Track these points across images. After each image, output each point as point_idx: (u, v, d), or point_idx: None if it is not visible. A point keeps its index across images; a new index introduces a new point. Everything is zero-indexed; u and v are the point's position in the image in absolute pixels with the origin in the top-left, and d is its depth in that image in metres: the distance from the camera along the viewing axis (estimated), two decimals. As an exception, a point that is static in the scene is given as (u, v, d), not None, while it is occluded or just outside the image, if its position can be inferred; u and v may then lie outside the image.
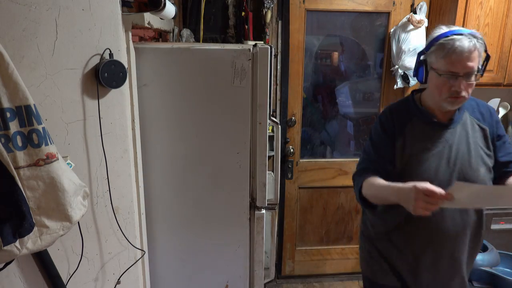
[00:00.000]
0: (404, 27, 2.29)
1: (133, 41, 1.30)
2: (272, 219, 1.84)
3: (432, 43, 1.26)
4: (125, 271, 1.37)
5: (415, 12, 2.30)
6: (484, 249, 1.74)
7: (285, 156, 2.57)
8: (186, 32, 2.20)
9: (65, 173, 1.03)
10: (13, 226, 0.93)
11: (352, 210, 2.76)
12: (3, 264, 1.08)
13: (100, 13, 1.14)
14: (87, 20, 1.13)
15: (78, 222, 1.20)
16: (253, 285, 1.64)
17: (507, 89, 2.46)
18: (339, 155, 2.75)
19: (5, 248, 0.92)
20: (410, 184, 1.15)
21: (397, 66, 2.33)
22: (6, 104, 0.92)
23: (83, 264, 1.29)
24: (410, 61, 2.28)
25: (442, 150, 1.30)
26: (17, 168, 0.94)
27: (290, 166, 2.59)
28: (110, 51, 1.17)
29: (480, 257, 1.67)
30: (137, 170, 1.37)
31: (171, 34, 2.08)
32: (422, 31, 2.28)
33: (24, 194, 0.95)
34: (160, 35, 1.97)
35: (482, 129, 1.35)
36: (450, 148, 1.30)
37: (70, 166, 1.17)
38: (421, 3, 2.29)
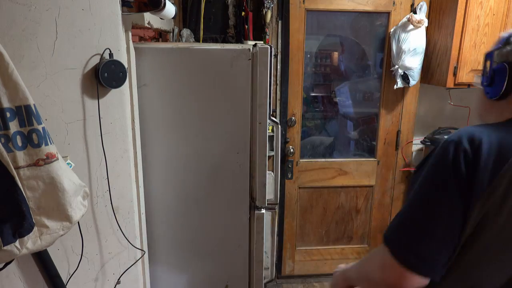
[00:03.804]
0: (404, 27, 2.29)
1: (133, 41, 1.30)
2: (272, 219, 1.84)
3: None
4: (125, 271, 1.37)
5: (415, 12, 2.30)
6: (484, 249, 1.74)
7: (285, 156, 2.57)
8: (186, 32, 2.20)
9: (65, 173, 1.03)
10: (13, 226, 0.93)
11: (352, 210, 2.76)
12: (3, 264, 1.08)
13: (100, 13, 1.14)
14: (87, 20, 1.13)
15: (78, 222, 1.20)
16: (253, 285, 1.64)
17: (507, 89, 2.46)
18: (339, 155, 2.75)
19: (5, 248, 0.92)
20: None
21: (397, 66, 2.33)
22: (6, 104, 0.92)
23: (83, 264, 1.29)
24: (410, 61, 2.28)
25: None
26: (17, 168, 0.94)
27: (290, 166, 2.59)
28: (110, 51, 1.17)
29: (480, 257, 1.67)
30: (137, 170, 1.37)
31: (171, 34, 2.08)
32: (422, 31, 2.28)
33: (24, 194, 0.95)
34: (160, 35, 1.97)
35: None
36: None
37: (70, 166, 1.17)
38: (421, 3, 2.29)
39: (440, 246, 0.78)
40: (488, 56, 0.94)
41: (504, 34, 0.94)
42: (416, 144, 2.67)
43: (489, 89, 0.91)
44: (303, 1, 2.35)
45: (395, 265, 0.79)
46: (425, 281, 0.79)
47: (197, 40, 2.27)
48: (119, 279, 1.37)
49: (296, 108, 2.53)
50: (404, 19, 2.31)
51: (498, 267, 0.81)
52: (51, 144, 0.99)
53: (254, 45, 1.40)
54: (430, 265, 0.78)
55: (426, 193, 0.81)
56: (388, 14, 2.43)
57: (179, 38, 2.19)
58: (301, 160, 2.62)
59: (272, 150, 1.85)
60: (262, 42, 2.29)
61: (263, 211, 1.57)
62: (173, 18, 1.49)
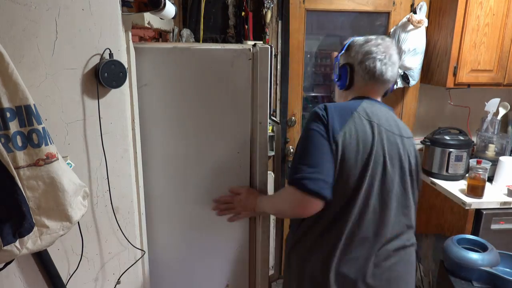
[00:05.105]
0: (404, 27, 2.29)
1: (133, 41, 1.30)
2: (273, 218, 1.84)
3: None
4: (125, 271, 1.37)
5: (415, 12, 2.30)
6: (484, 249, 1.74)
7: (285, 156, 2.57)
8: (186, 32, 2.20)
9: (65, 173, 1.03)
10: (13, 226, 0.93)
11: (352, 210, 2.75)
12: (3, 264, 1.08)
13: (100, 13, 1.14)
14: (87, 20, 1.13)
15: (78, 222, 1.20)
16: (255, 284, 1.64)
17: (507, 89, 2.46)
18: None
19: (5, 248, 0.92)
20: None
21: (397, 66, 2.33)
22: (6, 104, 0.92)
23: (83, 264, 1.29)
24: (410, 61, 2.28)
25: None
26: (17, 168, 0.94)
27: (290, 166, 2.59)
28: (110, 51, 1.17)
29: (480, 257, 1.67)
30: (137, 170, 1.36)
31: (171, 34, 2.08)
32: (422, 31, 2.28)
33: (24, 194, 0.95)
34: (160, 35, 1.97)
35: None
36: None
37: (70, 166, 1.17)
38: (421, 3, 2.29)
39: (327, 173, 1.15)
40: (336, 59, 1.50)
41: (346, 41, 1.50)
42: (416, 144, 2.66)
43: (338, 82, 1.42)
44: (303, 1, 2.35)
45: (299, 196, 1.14)
46: (322, 203, 1.15)
47: (197, 40, 2.27)
48: (119, 279, 1.37)
49: (296, 108, 2.53)
50: (404, 19, 2.31)
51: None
52: (51, 144, 0.99)
53: (254, 45, 1.40)
54: (323, 187, 1.13)
55: (305, 142, 1.20)
56: (388, 14, 2.44)
57: (179, 38, 2.19)
58: (301, 160, 2.61)
59: (272, 150, 1.85)
60: (262, 42, 2.29)
61: (263, 211, 1.56)
62: (173, 18, 1.49)
